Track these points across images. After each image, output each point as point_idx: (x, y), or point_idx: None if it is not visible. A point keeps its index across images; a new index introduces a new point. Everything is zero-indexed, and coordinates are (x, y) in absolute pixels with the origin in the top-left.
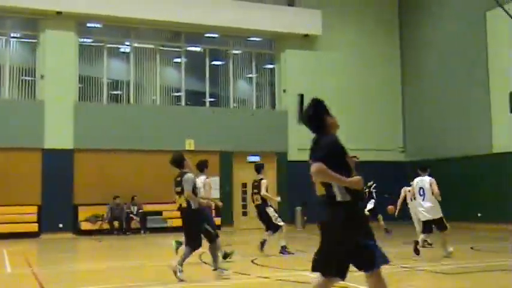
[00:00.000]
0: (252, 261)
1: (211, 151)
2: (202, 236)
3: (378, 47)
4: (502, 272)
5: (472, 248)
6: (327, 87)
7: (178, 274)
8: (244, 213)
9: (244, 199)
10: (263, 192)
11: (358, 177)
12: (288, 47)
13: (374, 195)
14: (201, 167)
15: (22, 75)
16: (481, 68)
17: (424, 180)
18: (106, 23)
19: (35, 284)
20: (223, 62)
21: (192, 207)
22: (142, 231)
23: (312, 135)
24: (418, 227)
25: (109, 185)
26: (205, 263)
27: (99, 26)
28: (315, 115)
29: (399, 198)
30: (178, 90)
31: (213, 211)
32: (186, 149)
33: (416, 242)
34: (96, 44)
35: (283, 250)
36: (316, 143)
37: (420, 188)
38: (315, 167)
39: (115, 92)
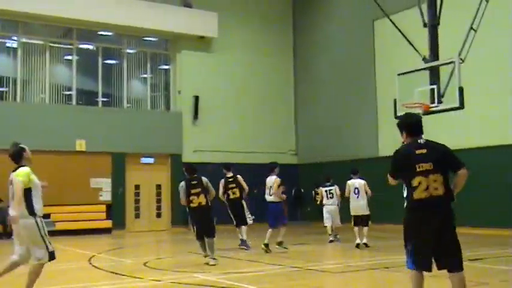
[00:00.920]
0: (144, 264)
1: (104, 152)
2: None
3: (272, 50)
4: (386, 270)
5: (357, 246)
6: (222, 89)
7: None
8: (137, 215)
9: (137, 201)
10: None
11: None
12: (184, 48)
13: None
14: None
15: None
16: (368, 74)
17: (359, 182)
18: None
19: None
20: (117, 61)
21: (209, 204)
22: None
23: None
24: (329, 224)
25: None
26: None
27: None
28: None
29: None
30: (70, 89)
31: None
32: (77, 149)
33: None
34: None
35: (244, 244)
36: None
37: (355, 188)
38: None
39: (0, 89)
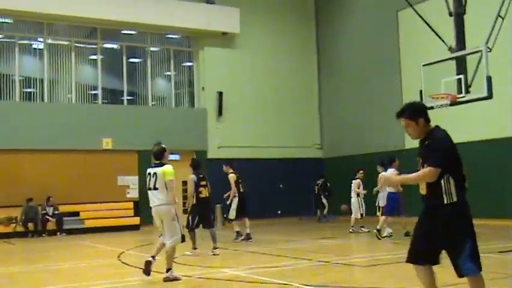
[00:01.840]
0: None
1: (130, 150)
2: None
3: (295, 44)
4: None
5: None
6: (246, 85)
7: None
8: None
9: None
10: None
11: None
12: (207, 44)
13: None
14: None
15: None
16: (393, 66)
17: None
18: (17, 18)
19: None
20: (141, 60)
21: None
22: (58, 233)
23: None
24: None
25: (23, 186)
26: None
27: (10, 21)
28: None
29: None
30: (95, 88)
31: None
32: (104, 148)
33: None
34: (6, 40)
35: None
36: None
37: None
38: None
39: (28, 90)
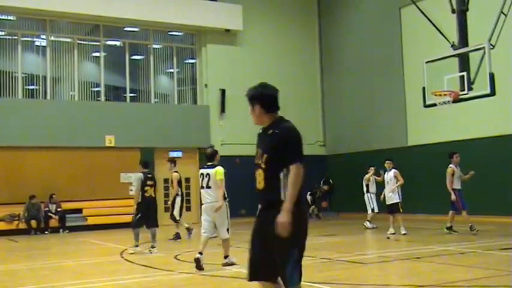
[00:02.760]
0: (175, 257)
1: (133, 147)
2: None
3: (298, 42)
4: (417, 261)
5: (388, 237)
6: (248, 82)
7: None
8: (167, 209)
9: (166, 195)
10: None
11: None
12: (210, 41)
13: None
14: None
15: None
16: (396, 63)
17: (390, 173)
18: (20, 15)
19: None
20: (143, 57)
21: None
22: (61, 230)
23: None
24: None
25: (26, 184)
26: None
27: (13, 18)
28: None
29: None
30: (98, 85)
31: None
32: (106, 145)
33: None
34: (9, 37)
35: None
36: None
37: (389, 180)
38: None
39: (31, 87)
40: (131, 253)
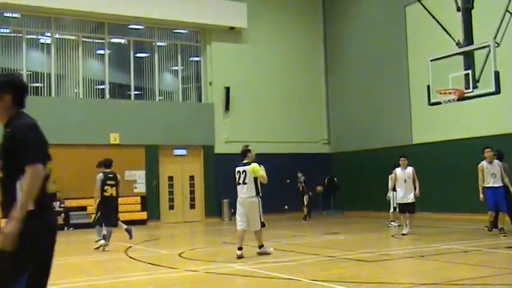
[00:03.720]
0: (180, 255)
1: (137, 145)
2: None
3: (302, 40)
4: (421, 259)
5: (393, 236)
6: (253, 80)
7: None
8: (171, 207)
9: (171, 193)
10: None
11: None
12: (214, 39)
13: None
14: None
15: None
16: (401, 61)
17: (407, 170)
18: (25, 12)
19: None
20: (148, 54)
21: (118, 197)
22: (65, 228)
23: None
24: None
25: None
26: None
27: (17, 16)
28: None
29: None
30: (102, 83)
31: None
32: (111, 143)
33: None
34: (14, 35)
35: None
36: None
37: (407, 178)
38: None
39: (35, 85)
40: (96, 248)
